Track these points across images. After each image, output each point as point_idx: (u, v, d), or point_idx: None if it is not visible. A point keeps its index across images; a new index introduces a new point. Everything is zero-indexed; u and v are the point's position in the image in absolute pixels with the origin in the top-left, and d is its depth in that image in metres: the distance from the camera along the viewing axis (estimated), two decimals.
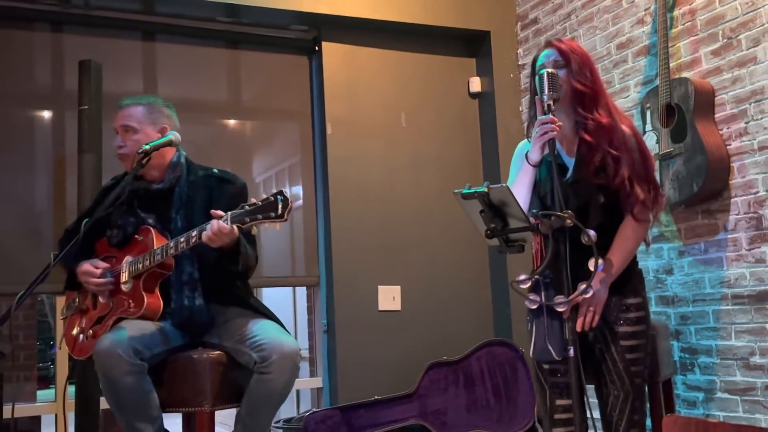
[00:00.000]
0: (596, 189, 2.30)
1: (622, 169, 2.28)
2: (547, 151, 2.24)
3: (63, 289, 2.78)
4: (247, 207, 2.25)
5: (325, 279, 4.02)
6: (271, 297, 5.39)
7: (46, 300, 6.82)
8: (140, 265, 2.50)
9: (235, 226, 2.28)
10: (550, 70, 2.23)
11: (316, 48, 4.14)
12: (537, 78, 2.25)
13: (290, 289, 5.88)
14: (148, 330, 2.45)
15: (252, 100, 4.20)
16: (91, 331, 2.60)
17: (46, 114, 3.75)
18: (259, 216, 2.21)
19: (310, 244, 4.12)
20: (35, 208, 3.62)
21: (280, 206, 2.17)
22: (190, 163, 2.72)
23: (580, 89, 2.31)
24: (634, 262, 2.40)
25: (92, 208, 2.72)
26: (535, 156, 2.26)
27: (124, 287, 2.55)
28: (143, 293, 2.48)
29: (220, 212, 2.31)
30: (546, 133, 2.19)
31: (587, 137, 2.30)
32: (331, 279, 3.96)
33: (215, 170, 2.72)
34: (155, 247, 2.48)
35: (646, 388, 2.37)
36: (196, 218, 2.50)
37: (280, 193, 2.18)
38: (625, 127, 2.37)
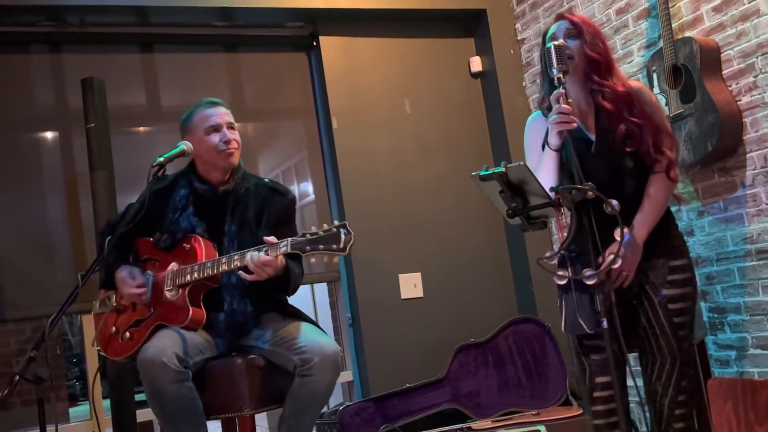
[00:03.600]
0: (623, 155, 2.29)
1: (647, 136, 2.27)
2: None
3: (99, 287, 2.79)
4: (308, 236, 2.25)
5: (346, 273, 4.02)
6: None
7: (64, 318, 6.87)
8: (188, 276, 2.50)
9: (281, 257, 2.28)
10: (557, 42, 2.22)
11: (314, 43, 4.12)
12: (545, 51, 2.24)
13: (308, 285, 5.89)
14: (189, 338, 2.47)
15: (254, 101, 4.20)
16: (128, 333, 2.60)
17: (53, 135, 3.76)
18: (321, 246, 2.22)
19: None
20: (51, 230, 3.62)
21: (342, 240, 2.20)
22: (245, 171, 2.75)
23: (595, 57, 2.32)
24: (673, 224, 2.40)
25: (140, 208, 2.65)
26: (556, 141, 2.26)
27: (168, 295, 2.55)
28: (188, 305, 2.49)
29: (272, 238, 2.33)
30: (563, 123, 2.19)
31: (607, 104, 2.30)
32: (351, 272, 3.96)
33: (267, 180, 2.76)
34: (204, 260, 2.49)
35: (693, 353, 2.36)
36: (247, 225, 2.53)
37: (344, 226, 2.20)
38: (633, 83, 2.39)
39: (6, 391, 2.18)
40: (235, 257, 2.40)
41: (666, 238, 2.34)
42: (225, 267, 2.43)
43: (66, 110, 3.73)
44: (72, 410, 6.74)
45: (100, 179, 3.23)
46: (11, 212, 3.53)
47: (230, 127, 2.68)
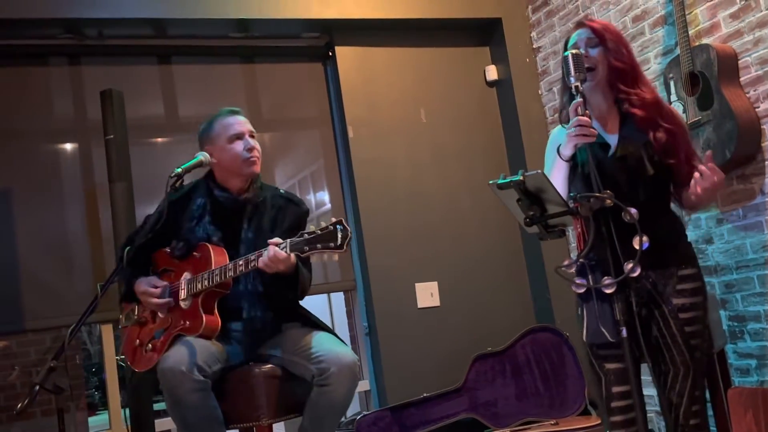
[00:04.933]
0: (643, 161, 2.26)
1: (682, 147, 2.26)
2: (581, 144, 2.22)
3: (119, 301, 2.82)
4: (306, 235, 2.27)
5: (362, 282, 4.02)
6: (306, 305, 5.39)
7: (83, 328, 6.93)
8: (199, 285, 2.52)
9: (292, 254, 2.29)
10: (574, 51, 2.21)
11: (330, 53, 4.14)
12: (562, 60, 2.23)
13: (325, 294, 5.89)
14: (207, 347, 2.48)
15: (270, 112, 4.22)
16: (150, 344, 2.63)
17: (73, 146, 3.80)
18: (318, 246, 2.23)
19: None
20: (70, 241, 3.66)
21: (339, 237, 2.19)
22: (262, 181, 2.78)
23: (620, 66, 2.30)
24: (683, 233, 2.38)
25: (158, 220, 2.71)
26: (569, 151, 2.24)
27: (183, 304, 2.58)
28: (202, 313, 2.51)
29: (277, 239, 2.34)
30: (582, 135, 2.16)
31: (639, 112, 2.28)
32: (367, 281, 3.96)
33: (282, 191, 2.79)
34: (214, 266, 2.51)
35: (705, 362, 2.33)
36: (262, 233, 2.55)
37: (340, 222, 2.20)
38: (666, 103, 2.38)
39: (26, 401, 2.20)
40: (240, 262, 2.43)
41: (675, 246, 2.31)
42: (232, 273, 2.45)
43: (85, 122, 3.77)
44: (91, 419, 6.78)
45: (118, 190, 3.25)
46: (31, 222, 3.57)
47: (252, 135, 2.72)
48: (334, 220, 2.22)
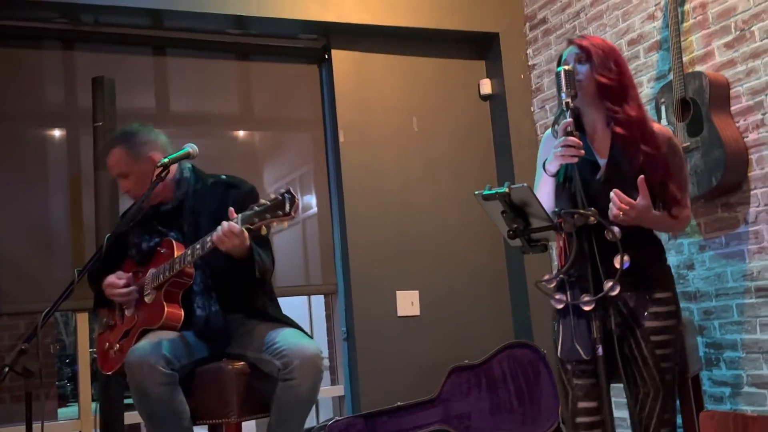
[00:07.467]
0: (630, 186, 2.23)
1: (659, 171, 2.25)
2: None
3: (93, 308, 2.80)
4: (255, 207, 2.27)
5: (343, 286, 4.01)
6: (285, 306, 5.36)
7: (60, 318, 6.86)
8: (161, 276, 2.52)
9: (244, 228, 2.28)
10: (566, 67, 2.21)
11: (326, 56, 4.14)
12: (555, 76, 2.24)
13: (305, 297, 5.87)
14: (175, 341, 2.46)
15: (263, 111, 4.21)
16: (118, 345, 2.61)
17: (60, 132, 3.77)
18: (268, 215, 2.23)
19: (326, 252, 4.12)
20: (52, 227, 3.62)
21: (287, 204, 2.19)
22: (199, 174, 2.74)
23: (605, 82, 2.29)
24: (663, 256, 2.38)
25: (139, 210, 2.71)
26: (554, 168, 2.25)
27: (147, 299, 2.57)
28: (164, 303, 2.50)
29: (234, 213, 2.33)
30: (567, 156, 2.16)
31: (620, 130, 2.28)
32: (348, 286, 3.95)
33: (223, 177, 2.74)
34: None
35: (676, 386, 2.33)
36: (203, 227, 2.52)
37: (288, 191, 2.20)
38: (655, 125, 2.36)
39: None
40: (197, 245, 2.42)
41: (653, 269, 2.31)
42: (190, 258, 2.44)
43: (75, 108, 3.73)
44: (61, 411, 6.71)
45: (104, 178, 3.23)
46: (14, 206, 3.53)
47: (120, 176, 2.69)
48: (282, 190, 2.21)
